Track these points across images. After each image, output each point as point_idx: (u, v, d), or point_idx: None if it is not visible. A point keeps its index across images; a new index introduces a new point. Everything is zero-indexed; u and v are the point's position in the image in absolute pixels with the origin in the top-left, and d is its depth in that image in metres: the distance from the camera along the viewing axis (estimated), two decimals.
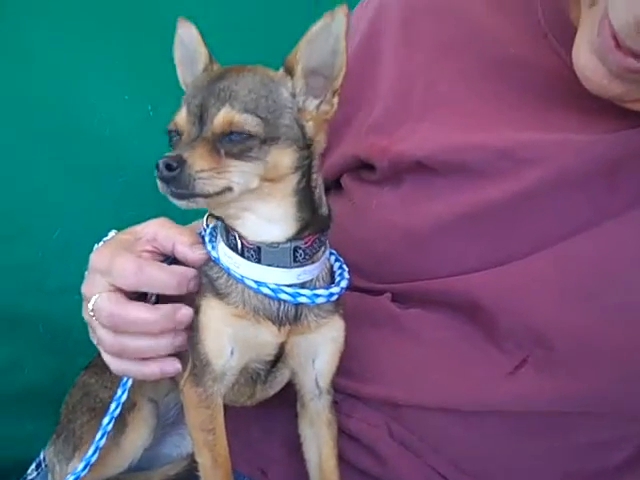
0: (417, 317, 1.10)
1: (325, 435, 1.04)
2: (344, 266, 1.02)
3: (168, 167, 0.83)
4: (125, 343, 0.98)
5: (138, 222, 1.06)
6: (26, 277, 1.69)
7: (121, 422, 1.06)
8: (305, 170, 0.93)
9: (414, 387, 1.07)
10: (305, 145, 0.92)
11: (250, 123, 0.87)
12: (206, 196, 0.86)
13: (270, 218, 0.92)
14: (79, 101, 1.67)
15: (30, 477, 1.40)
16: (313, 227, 0.94)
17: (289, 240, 0.93)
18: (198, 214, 1.01)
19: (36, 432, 1.42)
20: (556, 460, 1.07)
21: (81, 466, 1.02)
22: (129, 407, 1.07)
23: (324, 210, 0.97)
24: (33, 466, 1.43)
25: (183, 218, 1.06)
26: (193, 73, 0.97)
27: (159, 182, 0.85)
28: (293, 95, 0.91)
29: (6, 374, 1.72)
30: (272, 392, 1.06)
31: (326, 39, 0.89)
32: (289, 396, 1.06)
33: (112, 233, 1.08)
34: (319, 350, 1.00)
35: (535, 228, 1.04)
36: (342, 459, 1.05)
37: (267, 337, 0.96)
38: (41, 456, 1.42)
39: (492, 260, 1.05)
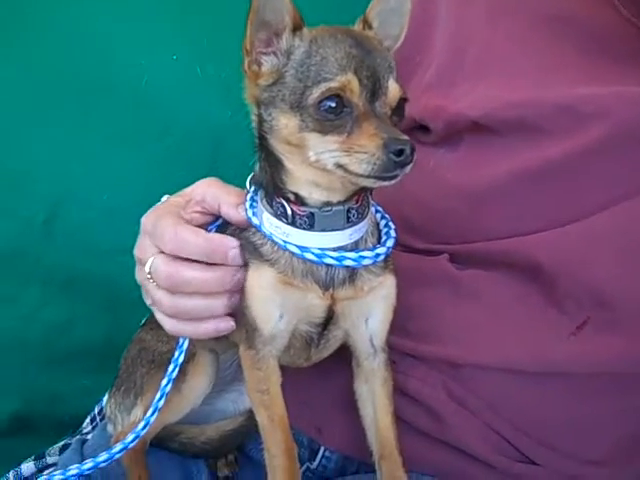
0: (476, 277, 1.10)
1: (381, 392, 1.03)
2: (390, 224, 1.01)
3: (413, 151, 0.82)
4: (182, 304, 0.98)
5: (187, 184, 1.05)
6: (78, 239, 1.72)
7: (181, 371, 1.07)
8: None
9: (473, 346, 1.07)
10: None
11: (405, 92, 0.88)
12: None
13: None
14: (127, 63, 1.66)
15: (85, 430, 1.45)
16: None
17: (343, 202, 0.92)
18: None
19: (91, 387, 1.46)
20: (615, 421, 1.06)
21: (150, 412, 1.04)
22: (189, 357, 1.08)
23: None
24: (88, 420, 1.47)
25: (234, 179, 1.06)
26: (267, 28, 0.89)
27: (393, 166, 0.82)
28: None
29: (61, 332, 1.75)
30: (327, 353, 1.06)
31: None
32: (344, 354, 1.06)
33: (165, 197, 1.08)
34: (371, 310, 0.99)
35: (598, 187, 1.02)
36: (399, 418, 1.04)
37: (314, 301, 0.95)
38: (95, 410, 1.47)
39: (553, 220, 1.04)
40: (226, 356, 1.17)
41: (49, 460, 1.34)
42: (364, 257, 0.94)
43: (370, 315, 1.00)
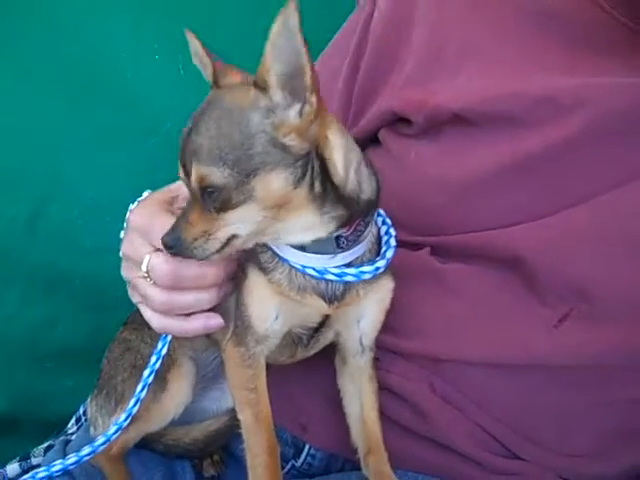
0: (458, 271, 1.09)
1: (368, 389, 1.04)
2: (391, 231, 1.00)
3: (166, 246, 0.88)
4: (176, 299, 0.97)
5: (171, 182, 1.04)
6: (62, 237, 1.70)
7: (161, 379, 1.07)
8: (315, 174, 0.87)
9: (455, 341, 1.07)
10: (297, 157, 0.85)
11: (217, 175, 0.82)
12: (211, 255, 0.87)
13: (305, 228, 0.90)
14: (110, 62, 1.65)
15: (70, 431, 1.44)
16: (358, 214, 0.92)
17: (330, 233, 0.91)
18: None
19: (75, 387, 1.45)
20: (600, 416, 1.06)
21: (123, 417, 1.03)
22: (169, 365, 1.08)
23: (366, 194, 0.92)
24: (73, 420, 1.47)
25: None
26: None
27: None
28: (269, 113, 0.83)
29: (45, 331, 1.73)
30: (313, 352, 1.06)
31: (288, 38, 0.79)
32: (329, 352, 1.07)
33: (146, 193, 1.08)
34: (365, 312, 1.00)
35: (578, 179, 1.02)
36: (383, 414, 1.04)
37: (312, 311, 0.96)
38: (80, 411, 1.46)
39: (533, 213, 1.04)
40: (207, 353, 1.16)
41: (34, 461, 1.34)
42: (364, 272, 0.94)
43: (362, 317, 1.01)
